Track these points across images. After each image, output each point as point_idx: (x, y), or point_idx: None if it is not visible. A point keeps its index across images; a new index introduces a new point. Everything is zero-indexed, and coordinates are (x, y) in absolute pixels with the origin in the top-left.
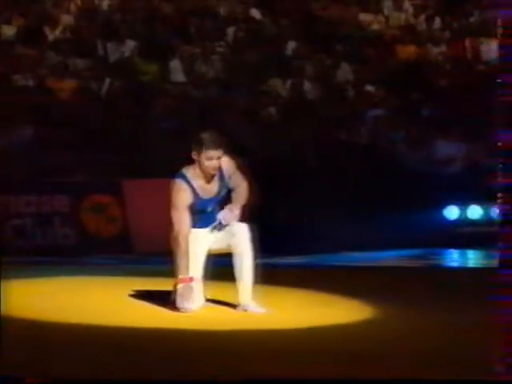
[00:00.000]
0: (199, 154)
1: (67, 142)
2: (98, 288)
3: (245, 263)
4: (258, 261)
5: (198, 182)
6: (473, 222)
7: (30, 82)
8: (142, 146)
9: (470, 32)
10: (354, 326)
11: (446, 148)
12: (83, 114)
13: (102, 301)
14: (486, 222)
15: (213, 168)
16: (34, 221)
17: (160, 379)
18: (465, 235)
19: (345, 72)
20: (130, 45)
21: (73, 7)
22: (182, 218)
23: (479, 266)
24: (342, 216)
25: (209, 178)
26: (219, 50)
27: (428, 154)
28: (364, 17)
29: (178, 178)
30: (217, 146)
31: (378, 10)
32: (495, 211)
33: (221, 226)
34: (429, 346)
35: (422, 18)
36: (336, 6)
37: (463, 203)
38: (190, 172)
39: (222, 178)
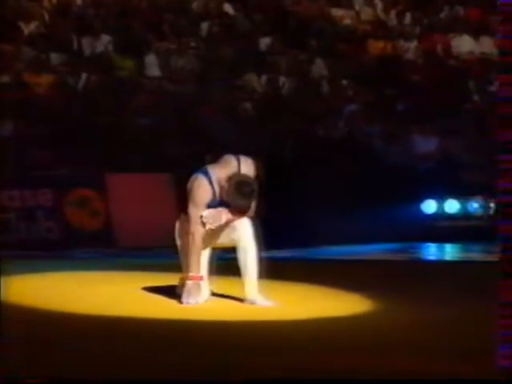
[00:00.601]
0: (228, 197)
1: (47, 137)
2: (98, 282)
3: (249, 257)
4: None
5: (219, 187)
6: (450, 216)
7: (7, 78)
8: (122, 140)
9: (441, 27)
10: (357, 318)
11: (421, 143)
12: (62, 109)
13: (105, 294)
14: (463, 215)
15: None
16: (18, 215)
17: (160, 379)
18: (442, 229)
19: (319, 67)
20: (105, 40)
21: (47, 2)
22: (200, 216)
23: (462, 259)
24: (319, 210)
25: None
26: (194, 45)
27: (404, 148)
28: (336, 12)
29: (201, 174)
30: (243, 213)
31: (349, 5)
32: (472, 205)
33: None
34: (427, 338)
35: (393, 13)
36: (308, 1)
37: (441, 197)
38: (215, 174)
39: None
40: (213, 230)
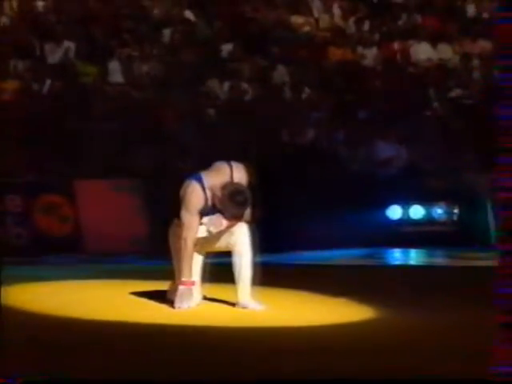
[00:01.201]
0: (222, 204)
1: (14, 143)
2: (80, 289)
3: (244, 261)
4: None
5: (212, 194)
6: (415, 222)
7: None
8: (89, 146)
9: (399, 35)
10: (349, 323)
11: (385, 149)
12: (27, 115)
13: (93, 300)
14: (428, 221)
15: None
16: None
17: (160, 379)
18: (407, 234)
19: (281, 74)
20: (68, 46)
21: (8, 8)
22: (192, 221)
23: (426, 263)
24: (284, 216)
25: None
26: (156, 51)
27: (368, 154)
28: (295, 19)
29: (195, 180)
30: (237, 219)
31: (308, 12)
32: (436, 211)
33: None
34: (427, 342)
35: (352, 20)
36: (267, 9)
37: (406, 203)
38: (209, 181)
39: None
40: (211, 235)
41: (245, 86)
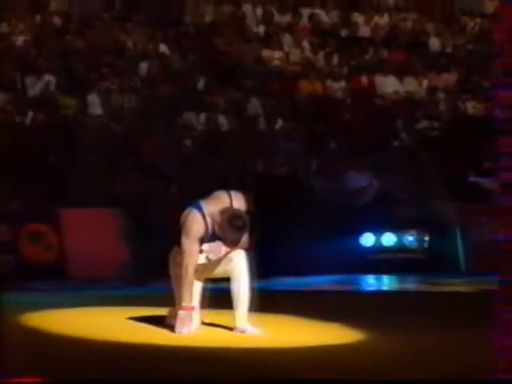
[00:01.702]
0: (221, 228)
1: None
2: (75, 316)
3: (242, 287)
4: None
5: (212, 221)
6: (387, 249)
7: None
8: (73, 176)
9: (367, 68)
10: (341, 346)
11: (357, 179)
12: (11, 146)
13: (92, 325)
14: (399, 248)
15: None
16: None
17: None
18: (380, 261)
19: (254, 106)
20: (49, 79)
21: None
22: (193, 248)
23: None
24: (262, 244)
25: None
26: (134, 84)
27: (341, 184)
28: (266, 53)
29: (195, 208)
30: (236, 244)
31: (278, 46)
32: (407, 238)
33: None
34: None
35: (321, 54)
36: (239, 43)
37: (378, 231)
38: (209, 209)
39: None
40: (211, 261)
41: (220, 117)
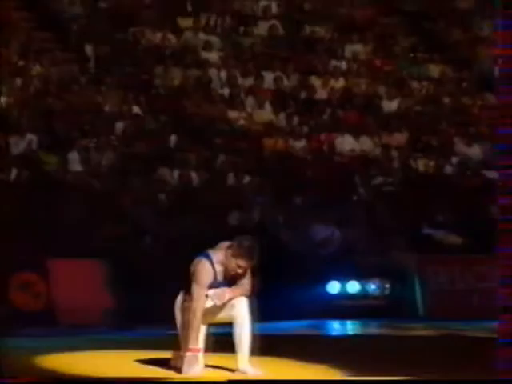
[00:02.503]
0: (233, 256)
1: None
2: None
3: (244, 332)
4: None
5: (220, 268)
6: (351, 296)
7: None
8: (58, 229)
9: (325, 128)
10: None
11: (322, 231)
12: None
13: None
14: (363, 295)
15: (236, 273)
16: None
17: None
18: (345, 307)
19: (223, 162)
20: (30, 138)
21: None
22: (201, 294)
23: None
24: None
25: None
26: (111, 142)
27: (308, 235)
28: (231, 114)
29: (204, 258)
30: (251, 259)
31: (242, 107)
32: (370, 286)
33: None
34: None
35: (282, 115)
36: (207, 104)
37: (343, 279)
38: (217, 257)
39: None
40: (214, 307)
41: (192, 173)
